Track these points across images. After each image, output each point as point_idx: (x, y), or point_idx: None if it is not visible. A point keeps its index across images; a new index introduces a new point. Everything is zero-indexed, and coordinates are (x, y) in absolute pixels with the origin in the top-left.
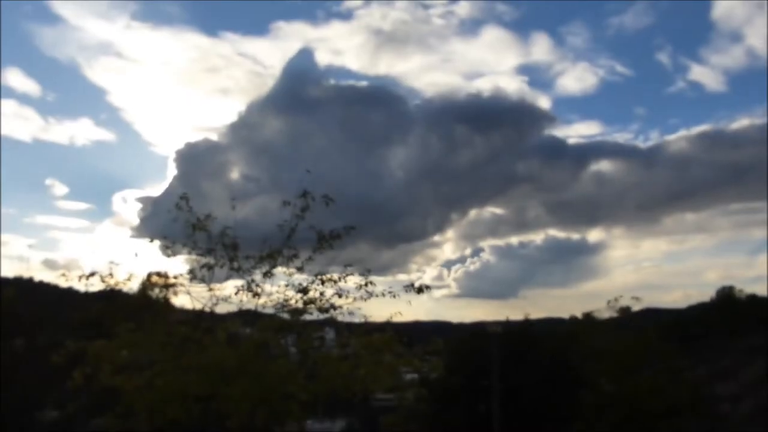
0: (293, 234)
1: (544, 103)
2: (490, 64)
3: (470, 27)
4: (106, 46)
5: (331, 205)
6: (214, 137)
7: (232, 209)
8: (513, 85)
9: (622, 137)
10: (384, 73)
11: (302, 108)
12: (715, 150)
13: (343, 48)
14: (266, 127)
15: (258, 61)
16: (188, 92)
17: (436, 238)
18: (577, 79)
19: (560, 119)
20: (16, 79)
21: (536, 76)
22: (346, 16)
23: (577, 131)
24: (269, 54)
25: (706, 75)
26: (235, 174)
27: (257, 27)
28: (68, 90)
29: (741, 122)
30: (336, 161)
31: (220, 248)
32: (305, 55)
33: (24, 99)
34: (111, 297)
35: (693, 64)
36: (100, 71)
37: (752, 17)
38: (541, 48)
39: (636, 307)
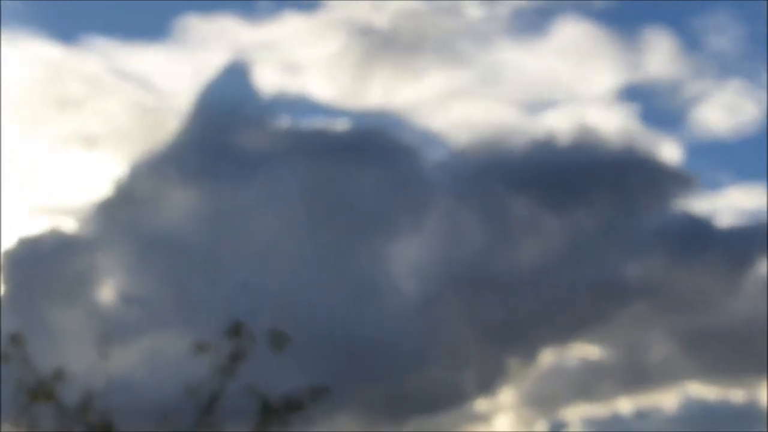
0: (216, 403)
1: (669, 152)
2: (570, 84)
3: (531, 21)
4: None
5: (287, 348)
6: (70, 225)
7: (102, 358)
8: (613, 122)
9: None
10: (378, 105)
11: (232, 167)
12: None
13: (304, 61)
14: (165, 202)
15: (151, 84)
16: (26, 143)
17: (482, 404)
18: (727, 108)
19: (701, 181)
20: None
21: (654, 104)
22: (310, 6)
23: (730, 202)
24: (171, 72)
25: None
26: (107, 292)
27: (150, 26)
28: None
29: None
30: (294, 264)
31: (82, 429)
32: (236, 72)
33: None
34: None
35: None
36: None
37: None
38: (660, 56)
39: None
